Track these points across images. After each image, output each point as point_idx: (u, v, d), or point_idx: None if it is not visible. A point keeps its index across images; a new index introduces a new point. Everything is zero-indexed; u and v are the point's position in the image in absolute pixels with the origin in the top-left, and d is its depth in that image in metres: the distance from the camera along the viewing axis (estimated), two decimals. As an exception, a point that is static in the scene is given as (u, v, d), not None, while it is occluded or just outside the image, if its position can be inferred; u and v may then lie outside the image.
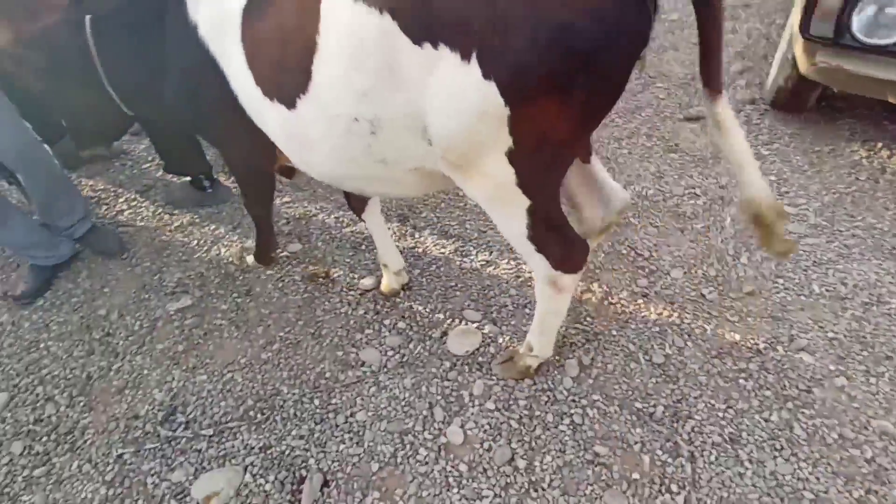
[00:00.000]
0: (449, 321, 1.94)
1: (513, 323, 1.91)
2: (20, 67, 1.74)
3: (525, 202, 1.26)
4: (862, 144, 2.54)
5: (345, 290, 2.10)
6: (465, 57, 1.03)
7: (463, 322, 1.93)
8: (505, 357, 1.79)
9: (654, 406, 1.62)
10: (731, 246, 2.10)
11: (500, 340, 1.85)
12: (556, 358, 1.77)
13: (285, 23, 1.23)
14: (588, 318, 1.89)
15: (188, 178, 2.59)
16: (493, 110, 1.07)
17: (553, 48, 0.99)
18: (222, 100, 1.47)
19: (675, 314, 1.88)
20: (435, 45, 1.05)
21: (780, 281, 1.95)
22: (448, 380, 1.75)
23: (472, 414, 1.65)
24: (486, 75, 1.03)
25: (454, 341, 1.86)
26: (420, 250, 2.24)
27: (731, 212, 2.24)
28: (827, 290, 1.91)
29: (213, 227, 2.50)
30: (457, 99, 1.08)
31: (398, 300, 2.04)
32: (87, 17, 1.65)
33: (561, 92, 1.05)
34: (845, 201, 2.25)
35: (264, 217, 2.09)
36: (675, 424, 1.58)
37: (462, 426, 1.62)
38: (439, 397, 1.70)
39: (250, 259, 2.25)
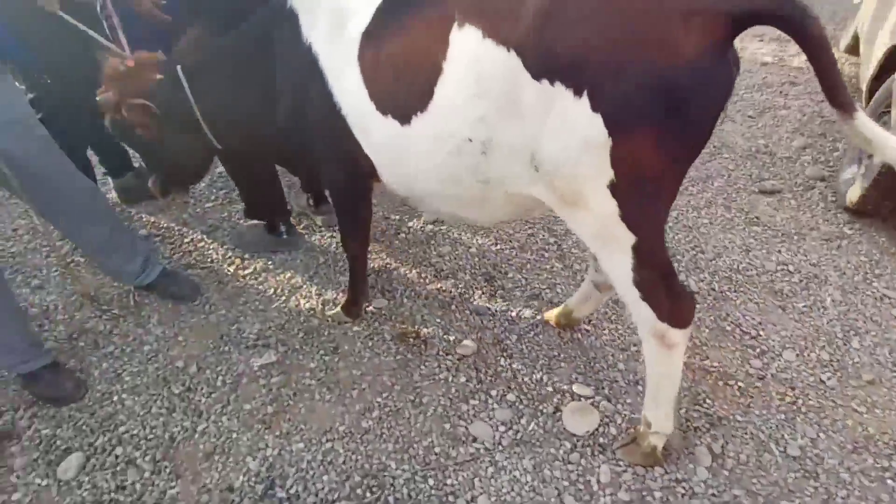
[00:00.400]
0: (559, 396, 1.83)
1: (629, 401, 1.81)
2: (125, 121, 1.80)
3: (630, 238, 1.29)
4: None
5: (441, 353, 2.00)
6: (578, 93, 1.15)
7: (574, 398, 1.82)
8: (627, 440, 1.68)
9: (799, 505, 1.52)
10: (839, 328, 2.05)
11: (619, 420, 1.75)
12: (683, 443, 1.67)
13: (413, 47, 1.35)
14: (707, 401, 1.80)
15: (262, 222, 2.50)
16: (598, 139, 1.17)
17: (655, 91, 1.11)
18: (328, 115, 1.56)
19: (799, 400, 1.80)
20: (552, 82, 1.16)
21: (897, 369, 1.90)
22: (571, 462, 1.63)
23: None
24: (594, 109, 1.15)
25: (570, 419, 1.75)
26: (513, 314, 2.15)
27: (831, 292, 2.21)
28: (947, 383, 1.86)
29: (288, 274, 2.39)
30: (567, 129, 1.20)
31: (500, 369, 1.93)
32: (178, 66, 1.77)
33: (657, 128, 1.16)
34: (941, 287, 2.24)
35: (361, 256, 2.03)
36: (825, 528, 1.47)
37: (597, 519, 1.49)
38: (566, 483, 1.58)
39: (334, 312, 2.14)
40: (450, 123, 1.34)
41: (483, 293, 2.27)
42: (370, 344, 2.05)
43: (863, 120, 1.08)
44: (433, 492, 1.57)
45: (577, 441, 1.69)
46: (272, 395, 1.86)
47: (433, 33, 1.30)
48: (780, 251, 2.45)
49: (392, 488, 1.58)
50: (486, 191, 1.45)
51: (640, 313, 1.38)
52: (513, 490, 1.57)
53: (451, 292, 2.28)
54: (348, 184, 1.80)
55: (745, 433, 1.70)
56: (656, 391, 1.54)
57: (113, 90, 1.71)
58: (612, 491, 1.56)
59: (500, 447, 1.68)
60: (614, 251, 1.34)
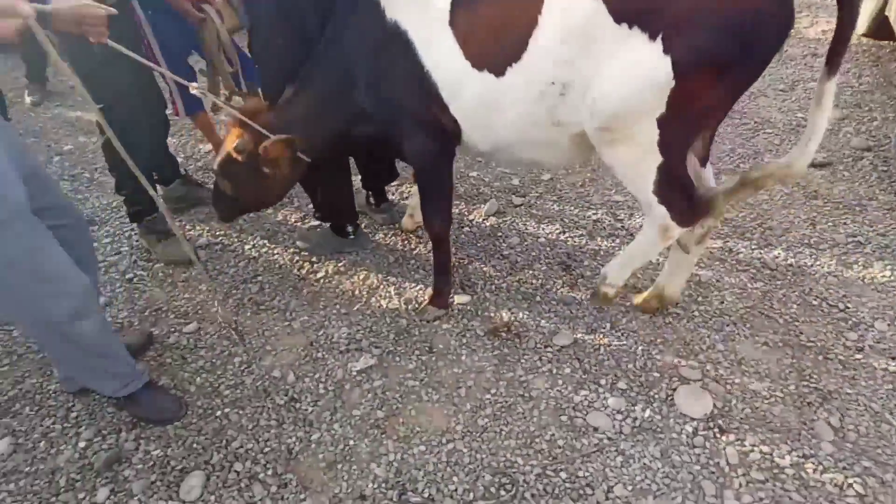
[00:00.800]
0: (667, 380, 1.84)
1: (736, 381, 1.83)
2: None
3: (658, 160, 1.55)
4: None
5: (539, 346, 1.99)
6: (653, 38, 1.35)
7: (683, 381, 1.83)
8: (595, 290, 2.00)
9: (925, 472, 1.55)
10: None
11: (734, 401, 1.76)
12: (801, 420, 1.69)
13: (511, 5, 1.53)
14: (813, 376, 1.83)
15: (328, 224, 2.45)
16: (663, 80, 1.38)
17: (725, 36, 1.31)
18: (420, 85, 1.67)
19: (902, 370, 1.83)
20: (630, 26, 1.36)
21: (985, 333, 1.94)
22: (696, 446, 1.64)
23: (742, 485, 1.54)
24: (665, 51, 1.34)
25: (685, 402, 1.76)
26: (600, 302, 2.15)
27: (906, 261, 2.25)
28: None
29: (362, 276, 2.35)
30: (634, 70, 1.39)
31: (601, 357, 1.93)
32: None
33: (719, 69, 1.37)
34: None
35: (446, 238, 2.04)
36: (955, 492, 1.51)
37: (739, 500, 1.51)
38: (697, 466, 1.59)
39: (423, 309, 2.12)
40: (539, 69, 1.52)
41: (563, 283, 2.26)
42: (464, 341, 2.03)
43: (831, 85, 1.42)
44: (567, 485, 1.57)
45: (697, 424, 1.70)
46: (378, 400, 1.84)
47: None
48: (845, 223, 2.48)
49: (525, 484, 1.58)
50: (557, 134, 1.65)
51: (654, 212, 1.66)
52: (646, 478, 1.57)
53: (531, 283, 2.27)
54: (435, 151, 1.87)
55: (859, 405, 1.73)
56: (629, 260, 1.89)
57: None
58: (744, 471, 1.57)
59: (623, 436, 1.69)
60: (641, 172, 1.60)
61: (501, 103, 1.63)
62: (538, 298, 2.19)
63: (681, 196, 1.62)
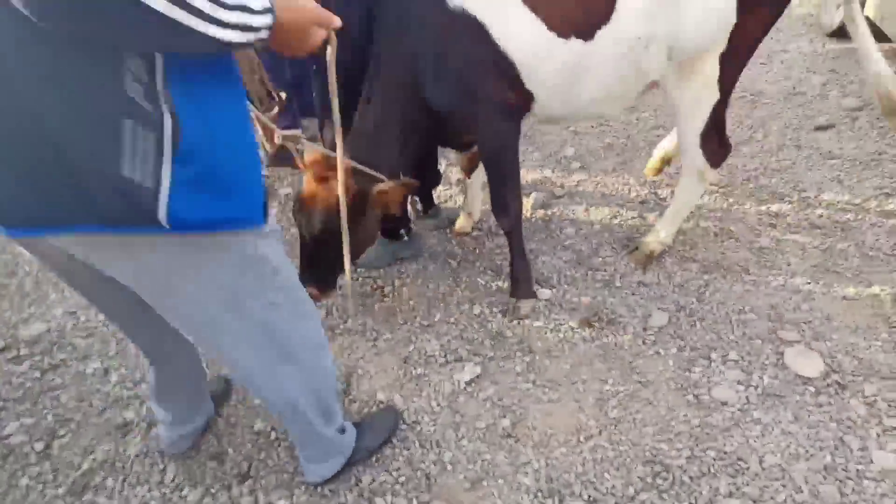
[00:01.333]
0: (771, 345, 1.88)
1: (834, 337, 1.89)
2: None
3: (715, 97, 1.83)
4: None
5: (638, 330, 1.98)
6: None
7: (786, 343, 1.88)
8: (632, 248, 2.26)
9: None
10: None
11: (839, 356, 1.83)
12: (905, 364, 1.78)
13: None
14: (898, 321, 1.93)
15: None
16: (729, 19, 1.67)
17: None
18: (494, 64, 1.68)
19: (971, 305, 1.97)
20: None
21: None
22: (822, 405, 1.69)
23: (880, 434, 1.59)
24: None
25: (797, 364, 1.80)
26: (678, 278, 2.18)
27: (934, 206, 2.42)
28: None
29: (430, 285, 2.26)
30: (710, 13, 1.65)
31: (700, 331, 1.95)
32: None
33: (767, 7, 1.71)
34: None
35: (518, 223, 2.01)
36: None
37: (884, 448, 1.56)
38: (833, 424, 1.63)
39: (511, 308, 2.06)
40: (628, 27, 1.64)
41: (634, 266, 2.27)
42: (560, 336, 1.99)
43: (855, 4, 1.82)
44: (719, 462, 1.57)
45: (815, 383, 1.75)
46: (498, 408, 1.76)
47: None
48: (868, 178, 2.64)
49: (679, 469, 1.56)
50: (634, 84, 1.82)
51: (696, 157, 1.95)
52: (791, 443, 1.60)
53: (604, 270, 2.26)
54: (508, 131, 1.85)
55: (949, 342, 1.84)
56: (677, 212, 2.17)
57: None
58: (877, 421, 1.63)
59: (752, 405, 1.70)
60: (701, 111, 1.86)
61: (589, 67, 1.71)
62: (618, 284, 2.19)
63: (717, 139, 1.94)
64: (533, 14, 1.62)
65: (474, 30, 1.62)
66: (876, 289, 2.06)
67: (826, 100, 3.33)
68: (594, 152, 3.08)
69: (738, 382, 1.77)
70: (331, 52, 1.05)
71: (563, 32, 1.64)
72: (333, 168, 1.41)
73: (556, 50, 1.66)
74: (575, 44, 1.66)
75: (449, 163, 3.00)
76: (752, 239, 2.35)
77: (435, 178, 2.50)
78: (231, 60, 0.95)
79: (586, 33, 1.65)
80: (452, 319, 2.09)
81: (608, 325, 2.02)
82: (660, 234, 2.20)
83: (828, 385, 1.74)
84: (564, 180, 2.84)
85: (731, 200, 2.58)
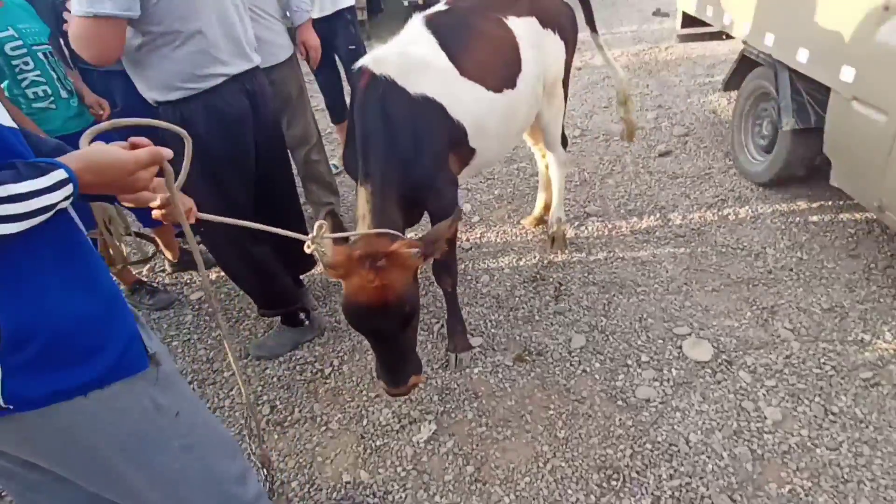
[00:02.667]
0: (670, 341, 2.22)
1: (714, 323, 2.28)
2: None
3: (563, 110, 2.62)
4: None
5: (563, 354, 2.22)
6: (554, 32, 2.37)
7: (681, 338, 2.22)
8: (550, 243, 2.83)
9: None
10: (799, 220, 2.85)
11: (722, 338, 2.20)
12: (768, 333, 2.19)
13: (496, 43, 2.13)
14: (758, 299, 2.37)
15: (279, 318, 2.40)
16: (561, 54, 2.44)
17: (573, 23, 2.53)
18: (452, 134, 1.94)
19: (801, 275, 2.48)
20: (544, 27, 2.32)
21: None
22: (719, 382, 2.02)
23: (764, 394, 1.94)
24: (560, 39, 2.41)
25: (693, 352, 2.14)
26: (586, 303, 2.48)
27: (761, 206, 3.03)
28: None
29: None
30: (555, 52, 2.39)
31: (614, 343, 2.24)
32: None
33: (573, 46, 2.55)
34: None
35: (455, 284, 2.19)
36: None
37: (770, 404, 1.90)
38: (731, 395, 1.96)
39: (458, 360, 2.21)
40: (530, 70, 2.20)
41: (549, 296, 2.55)
42: (500, 376, 2.17)
43: (600, 38, 2.76)
44: (656, 452, 1.80)
45: (711, 365, 2.09)
46: (461, 457, 1.87)
47: (501, 30, 2.16)
48: (705, 189, 3.24)
49: (627, 468, 1.77)
50: (534, 112, 2.40)
51: (560, 152, 2.71)
52: (705, 420, 1.89)
53: (523, 307, 2.51)
54: (455, 195, 2.00)
55: (792, 307, 2.30)
56: (558, 194, 2.80)
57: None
58: (761, 384, 1.99)
59: (668, 396, 1.99)
60: (558, 119, 2.59)
61: (517, 108, 2.19)
62: (537, 318, 2.44)
63: (563, 136, 2.73)
64: (473, 83, 1.98)
65: (436, 108, 1.87)
66: (734, 277, 2.52)
67: (660, 130, 4.03)
68: (488, 204, 3.41)
69: (654, 380, 2.06)
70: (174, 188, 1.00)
71: (498, 88, 2.05)
72: (376, 250, 1.48)
73: (496, 103, 2.05)
74: (507, 93, 2.09)
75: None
76: (634, 255, 2.76)
77: (309, 261, 2.59)
78: (57, 227, 0.86)
79: (511, 83, 2.12)
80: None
81: (538, 356, 2.25)
82: (560, 217, 2.84)
83: (719, 364, 2.09)
84: (469, 234, 3.11)
85: (609, 226, 3.01)
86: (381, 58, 1.85)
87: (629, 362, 2.15)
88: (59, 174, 0.78)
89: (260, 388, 2.26)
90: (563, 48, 2.43)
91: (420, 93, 1.84)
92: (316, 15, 3.28)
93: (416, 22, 2.03)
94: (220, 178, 1.95)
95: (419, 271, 1.75)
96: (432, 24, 2.01)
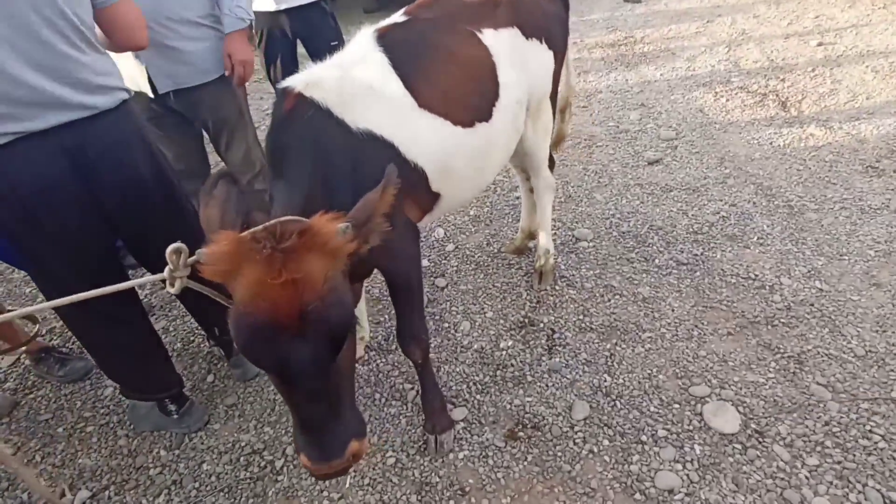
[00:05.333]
0: (688, 406, 1.88)
1: (735, 380, 1.95)
2: None
3: (550, 130, 2.20)
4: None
5: (565, 429, 1.86)
6: (541, 42, 1.94)
7: (701, 401, 1.89)
8: (538, 279, 2.47)
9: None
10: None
11: (748, 401, 1.87)
12: (800, 391, 1.87)
13: (467, 65, 1.67)
14: (779, 344, 2.05)
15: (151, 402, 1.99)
16: (550, 66, 2.02)
17: (565, 30, 2.14)
18: (407, 177, 1.45)
19: (824, 312, 2.18)
20: (528, 38, 1.88)
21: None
22: (752, 460, 1.69)
23: (808, 478, 1.62)
24: (549, 48, 1.97)
25: (717, 421, 1.81)
26: (583, 355, 2.12)
27: (765, 223, 2.72)
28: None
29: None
30: (542, 66, 1.97)
31: (623, 410, 1.89)
32: None
33: (562, 52, 2.12)
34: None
35: (427, 353, 1.79)
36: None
37: (818, 494, 1.58)
38: (770, 481, 1.63)
39: (435, 446, 1.81)
40: (511, 99, 1.79)
41: (540, 350, 2.18)
42: (490, 463, 1.79)
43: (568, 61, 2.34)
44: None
45: (740, 438, 1.76)
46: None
47: (473, 48, 1.71)
48: (705, 203, 2.91)
49: None
50: (515, 140, 1.97)
51: (547, 175, 2.34)
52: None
53: (511, 365, 2.13)
54: (417, 248, 1.67)
55: (827, 360, 1.99)
56: (545, 223, 2.45)
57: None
58: (801, 462, 1.67)
59: (696, 484, 1.65)
60: (545, 142, 2.19)
61: (493, 142, 1.79)
62: (529, 378, 2.07)
63: (550, 159, 2.34)
64: (435, 116, 1.56)
65: (382, 149, 1.44)
66: (749, 316, 2.20)
67: (646, 133, 3.68)
68: (463, 228, 3.01)
69: (675, 461, 1.72)
70: None
71: (467, 124, 1.64)
72: (281, 228, 0.95)
73: (466, 141, 1.65)
74: (480, 128, 1.69)
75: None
76: (633, 291, 2.41)
77: None
78: None
79: (486, 115, 1.71)
80: (367, 481, 1.78)
81: (534, 430, 1.88)
82: (548, 249, 2.47)
83: (749, 436, 1.76)
84: (443, 267, 2.71)
85: (603, 253, 2.65)
86: (315, 80, 1.39)
87: (643, 437, 1.80)
88: None
89: (194, 493, 1.82)
90: (551, 58, 2.01)
91: (364, 128, 1.40)
92: (284, 5, 2.82)
93: (365, 37, 1.58)
94: (34, 256, 1.55)
95: (363, 280, 1.32)
96: (385, 40, 1.56)
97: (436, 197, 1.66)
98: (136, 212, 1.65)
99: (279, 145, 1.32)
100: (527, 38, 1.86)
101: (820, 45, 4.66)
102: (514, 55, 1.80)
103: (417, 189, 1.57)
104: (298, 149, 1.31)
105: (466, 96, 1.65)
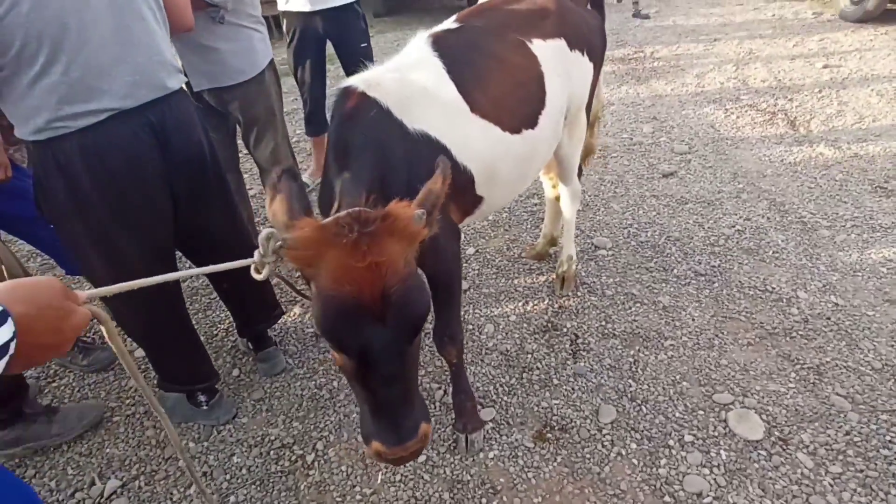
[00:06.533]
0: (713, 412, 1.92)
1: (758, 388, 2.00)
2: None
3: (583, 139, 2.25)
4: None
5: (593, 431, 1.89)
6: (583, 54, 2.00)
7: (725, 408, 1.94)
8: (560, 284, 2.51)
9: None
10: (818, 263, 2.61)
11: (771, 407, 1.92)
12: (819, 400, 1.93)
13: (517, 73, 1.73)
14: (799, 356, 2.11)
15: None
16: (589, 77, 2.08)
17: (603, 45, 2.21)
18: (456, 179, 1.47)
19: (841, 325, 2.24)
20: (572, 49, 1.94)
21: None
22: (777, 466, 1.74)
23: (832, 485, 1.67)
24: (589, 60, 2.04)
25: (741, 428, 1.85)
26: (608, 360, 2.16)
27: (780, 237, 2.79)
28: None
29: (352, 443, 1.94)
30: (583, 76, 2.03)
31: (649, 415, 1.93)
32: None
33: (600, 62, 2.18)
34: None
35: (462, 353, 1.83)
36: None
37: (842, 501, 1.63)
38: (795, 487, 1.68)
39: (467, 443, 1.84)
40: (556, 106, 1.85)
41: (565, 355, 2.21)
42: (520, 463, 1.82)
43: None
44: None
45: (765, 444, 1.81)
46: (484, 583, 1.51)
47: (523, 57, 1.76)
48: (719, 217, 2.98)
49: None
50: (550, 151, 2.01)
51: (573, 183, 2.35)
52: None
53: (536, 367, 2.16)
54: (457, 249, 1.70)
55: (846, 371, 2.05)
56: (570, 230, 2.50)
57: None
58: (824, 469, 1.71)
59: (722, 488, 1.69)
60: (578, 150, 2.24)
61: (537, 149, 1.84)
62: (555, 381, 2.10)
63: (578, 168, 2.38)
64: (486, 122, 1.61)
65: (436, 152, 1.45)
66: (768, 328, 2.26)
67: (660, 147, 3.76)
68: (482, 233, 3.05)
69: (703, 466, 1.76)
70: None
71: (514, 129, 1.69)
72: (364, 214, 0.99)
73: (513, 147, 1.70)
74: (526, 134, 1.73)
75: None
76: (653, 299, 2.46)
77: (271, 312, 2.20)
78: None
79: (532, 122, 1.75)
80: (399, 477, 1.81)
81: (562, 432, 1.91)
82: (571, 255, 2.52)
83: (774, 443, 1.81)
84: (465, 270, 2.74)
85: (622, 262, 2.71)
86: (375, 81, 1.43)
87: (670, 442, 1.84)
88: None
89: (225, 485, 1.83)
90: (591, 70, 2.06)
91: (420, 129, 1.45)
92: (322, 5, 2.86)
93: (421, 42, 1.62)
94: (106, 236, 1.57)
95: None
96: (440, 45, 1.60)
97: (479, 200, 1.70)
98: (196, 190, 1.71)
99: (343, 140, 1.35)
100: (571, 50, 1.92)
101: (826, 67, 4.78)
102: (559, 65, 1.85)
103: (464, 192, 1.60)
104: (361, 145, 1.34)
105: (516, 103, 1.70)
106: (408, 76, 1.51)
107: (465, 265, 2.78)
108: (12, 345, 0.60)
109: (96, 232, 1.55)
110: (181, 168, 1.64)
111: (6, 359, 0.59)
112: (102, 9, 1.37)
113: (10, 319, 0.61)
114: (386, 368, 1.02)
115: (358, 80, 1.43)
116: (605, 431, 1.90)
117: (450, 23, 1.77)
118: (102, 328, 0.80)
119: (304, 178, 3.55)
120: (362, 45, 3.03)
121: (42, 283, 0.70)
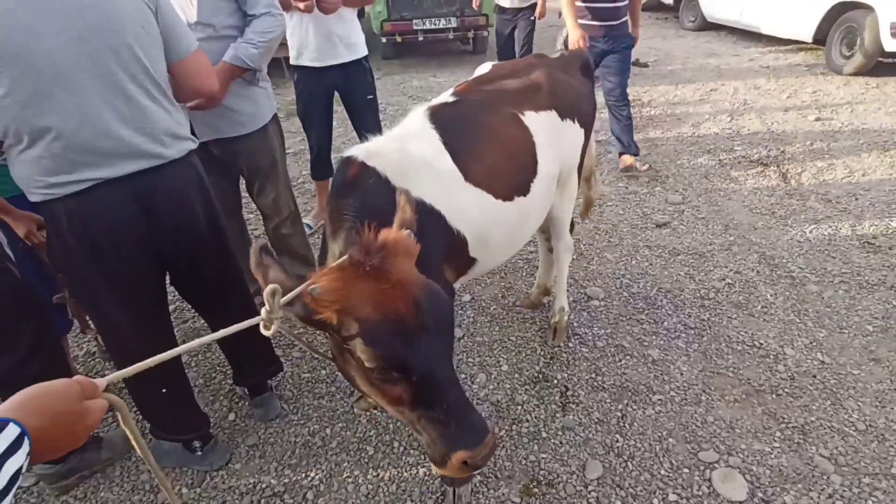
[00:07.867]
0: (697, 471, 1.95)
1: (743, 447, 2.03)
2: None
3: (574, 198, 2.38)
4: (770, 216, 3.51)
5: (579, 487, 1.92)
6: (574, 122, 2.14)
7: (709, 467, 1.96)
8: (552, 335, 2.58)
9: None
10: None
11: (755, 469, 1.95)
12: (804, 461, 1.96)
13: (510, 145, 1.84)
14: (783, 414, 2.14)
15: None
16: (580, 142, 2.21)
17: (593, 109, 2.35)
18: (450, 245, 1.65)
19: (826, 384, 2.28)
20: (563, 119, 2.07)
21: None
22: (760, 529, 1.76)
23: (816, 550, 1.69)
24: (580, 127, 2.18)
25: (725, 489, 1.88)
26: (596, 414, 2.20)
27: (768, 292, 2.85)
28: (869, 326, 2.58)
29: (350, 487, 1.98)
30: (573, 142, 2.17)
31: (634, 472, 1.96)
32: None
33: (590, 128, 2.32)
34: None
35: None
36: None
37: (825, 567, 1.64)
38: (777, 551, 1.69)
39: (465, 492, 1.87)
40: (547, 171, 1.96)
41: (555, 407, 2.26)
42: None
43: None
44: None
45: (747, 506, 1.83)
46: None
47: (516, 129, 1.88)
48: (710, 269, 3.05)
49: None
50: (543, 214, 2.13)
51: (565, 239, 2.47)
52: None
53: (527, 420, 2.20)
54: (452, 300, 1.72)
55: (829, 431, 2.08)
56: (562, 283, 2.59)
57: None
58: (807, 534, 1.74)
59: (706, 551, 1.71)
60: (569, 210, 2.37)
61: (529, 215, 1.94)
62: (544, 434, 2.14)
63: (570, 223, 2.50)
64: (479, 190, 1.71)
65: (431, 218, 1.56)
66: (755, 384, 2.30)
67: (654, 196, 3.86)
68: (479, 280, 3.13)
69: (682, 525, 1.78)
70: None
71: (507, 197, 1.79)
72: (368, 245, 1.05)
73: (505, 213, 1.79)
74: (518, 201, 1.83)
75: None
76: (643, 352, 2.51)
77: (270, 365, 2.27)
78: None
79: (524, 190, 1.85)
80: (386, 530, 1.83)
81: (548, 487, 1.94)
82: (563, 307, 2.60)
83: (758, 505, 1.83)
84: (460, 318, 2.81)
85: (613, 313, 2.77)
86: (375, 151, 1.55)
87: (655, 501, 1.86)
88: (11, 430, 0.62)
89: None
90: (582, 135, 2.19)
91: (416, 198, 1.53)
92: (332, 62, 3.03)
93: (419, 114, 1.75)
94: (95, 295, 1.65)
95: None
96: (437, 118, 1.73)
97: (472, 262, 1.79)
98: (188, 251, 1.77)
99: (341, 206, 1.46)
100: (562, 119, 2.05)
101: (818, 119, 4.93)
102: (550, 135, 1.97)
103: (458, 254, 1.69)
104: (359, 209, 1.44)
105: (508, 173, 1.80)
106: (406, 146, 1.62)
107: (460, 312, 2.85)
108: (26, 462, 0.63)
109: (87, 290, 1.63)
110: (171, 236, 1.69)
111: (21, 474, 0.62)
112: (84, 92, 1.42)
113: (26, 440, 0.63)
114: (443, 372, 1.07)
115: (359, 151, 1.54)
116: (590, 488, 1.92)
117: (447, 96, 1.90)
118: (118, 414, 0.84)
119: (308, 220, 3.66)
120: (368, 97, 3.19)
121: (59, 390, 0.71)
